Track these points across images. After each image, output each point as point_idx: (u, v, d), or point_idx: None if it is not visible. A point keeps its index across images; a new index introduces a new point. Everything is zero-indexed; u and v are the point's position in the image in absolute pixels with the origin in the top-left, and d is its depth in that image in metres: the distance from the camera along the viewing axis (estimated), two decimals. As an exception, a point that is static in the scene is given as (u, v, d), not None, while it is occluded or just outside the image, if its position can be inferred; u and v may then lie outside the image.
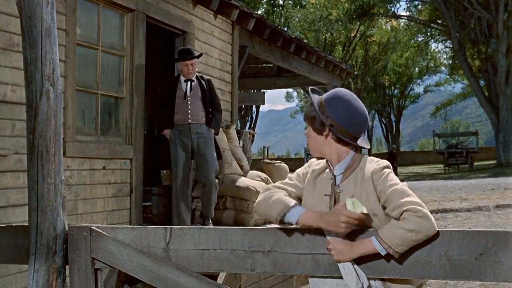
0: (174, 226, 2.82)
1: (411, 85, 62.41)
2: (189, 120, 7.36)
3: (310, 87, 3.26)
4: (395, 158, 37.13)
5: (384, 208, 2.87)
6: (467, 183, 26.71)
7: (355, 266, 2.67)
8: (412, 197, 2.76)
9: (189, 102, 7.34)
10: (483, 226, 14.00)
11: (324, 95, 3.14)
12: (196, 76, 7.53)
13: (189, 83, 7.42)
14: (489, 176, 30.89)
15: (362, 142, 3.10)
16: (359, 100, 3.14)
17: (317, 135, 3.10)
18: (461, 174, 34.09)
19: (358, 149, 3.15)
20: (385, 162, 3.03)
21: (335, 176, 3.07)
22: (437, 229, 2.61)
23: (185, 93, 7.37)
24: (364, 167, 3.01)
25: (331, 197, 3.03)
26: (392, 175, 2.93)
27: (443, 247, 2.40)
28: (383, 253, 2.65)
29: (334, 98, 3.09)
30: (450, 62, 55.82)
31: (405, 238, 2.60)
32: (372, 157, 3.07)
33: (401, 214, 2.66)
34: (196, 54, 7.53)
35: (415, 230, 2.59)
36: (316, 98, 3.15)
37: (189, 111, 7.35)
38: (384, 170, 2.95)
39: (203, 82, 7.54)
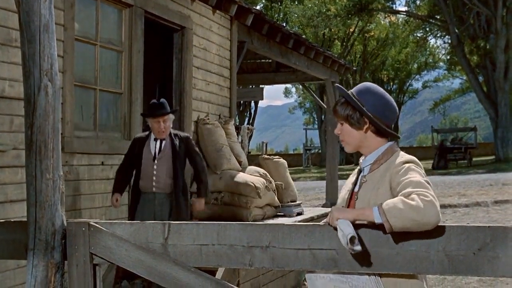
0: (172, 222, 2.82)
1: (410, 81, 62.39)
2: (153, 189, 6.34)
3: (336, 84, 3.30)
4: (446, 150, 37.32)
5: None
6: (466, 178, 26.74)
7: (340, 221, 2.67)
8: (426, 188, 2.73)
9: (155, 166, 6.31)
10: (482, 222, 14.02)
11: (354, 90, 3.17)
12: (170, 134, 6.44)
13: (158, 142, 6.38)
14: (487, 172, 30.92)
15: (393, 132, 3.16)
16: (384, 91, 3.19)
17: (356, 131, 3.12)
18: (459, 170, 34.12)
19: (394, 141, 3.19)
20: (409, 157, 3.02)
21: (363, 168, 3.15)
22: (438, 222, 2.55)
23: (154, 155, 6.34)
24: (391, 163, 3.02)
25: (354, 185, 3.13)
26: (414, 171, 2.89)
27: (441, 242, 2.41)
28: (377, 221, 2.65)
29: (367, 90, 3.13)
30: (449, 57, 55.80)
31: (404, 213, 2.60)
32: (401, 153, 3.07)
33: (410, 196, 2.64)
34: (168, 109, 6.40)
35: (417, 209, 2.58)
36: (346, 93, 3.14)
37: (154, 178, 6.29)
38: (404, 165, 2.94)
39: (176, 141, 6.41)
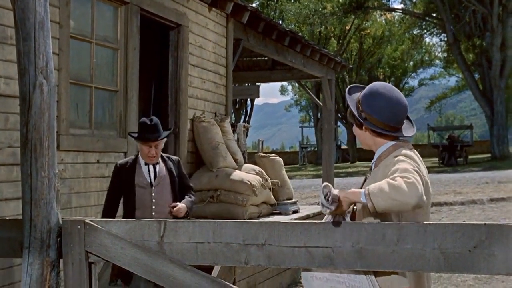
0: (168, 220, 2.82)
1: (406, 79, 62.40)
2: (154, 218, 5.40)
3: (348, 87, 3.55)
4: (455, 146, 37.37)
5: None
6: (462, 176, 26.77)
7: (325, 185, 2.97)
8: (411, 173, 2.89)
9: (153, 194, 5.50)
10: (477, 220, 14.04)
11: (362, 92, 3.39)
12: (162, 156, 5.68)
13: (151, 167, 5.56)
14: (483, 170, 30.98)
15: (406, 129, 3.34)
16: (394, 91, 3.34)
17: (359, 130, 3.39)
18: (455, 168, 34.15)
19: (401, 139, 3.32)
20: (403, 152, 3.15)
21: (372, 163, 3.37)
22: (420, 203, 2.75)
23: (150, 181, 5.52)
24: (390, 158, 3.19)
25: (364, 181, 3.34)
26: (403, 162, 3.04)
27: (437, 240, 2.41)
28: (362, 200, 2.87)
29: (369, 92, 3.33)
30: (445, 55, 55.84)
31: (385, 191, 2.79)
32: (403, 150, 3.19)
33: (394, 178, 2.85)
34: (162, 134, 5.56)
35: (398, 189, 2.76)
36: (355, 96, 3.42)
37: (154, 206, 5.50)
38: (397, 158, 3.10)
39: (170, 163, 5.70)
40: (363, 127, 3.32)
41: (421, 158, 3.29)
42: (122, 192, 5.54)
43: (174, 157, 5.89)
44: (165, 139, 5.66)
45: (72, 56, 6.42)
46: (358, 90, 3.47)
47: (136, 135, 5.60)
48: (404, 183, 2.79)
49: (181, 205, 5.49)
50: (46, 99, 2.94)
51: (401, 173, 2.89)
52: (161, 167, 5.61)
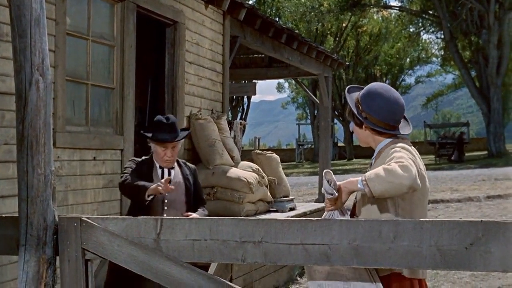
0: (164, 217, 2.82)
1: (403, 76, 62.42)
2: None
3: (347, 87, 3.74)
4: (464, 143, 37.47)
5: None
6: (458, 173, 26.83)
7: (326, 171, 3.29)
8: (405, 158, 3.11)
9: (166, 201, 4.88)
10: (474, 217, 14.07)
11: (361, 92, 3.57)
12: (177, 161, 5.12)
13: (166, 171, 4.99)
14: (480, 167, 31.03)
15: (403, 128, 3.55)
16: (392, 91, 3.53)
17: (359, 129, 3.55)
18: (451, 165, 34.20)
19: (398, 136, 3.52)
20: (402, 147, 3.31)
21: (371, 160, 3.56)
22: (414, 185, 3.01)
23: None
24: (387, 151, 3.35)
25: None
26: (399, 152, 3.22)
27: (434, 237, 2.41)
28: (360, 187, 3.14)
29: (367, 93, 3.49)
30: (442, 53, 55.86)
31: (380, 175, 3.03)
32: (399, 144, 3.37)
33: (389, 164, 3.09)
34: (180, 134, 5.00)
35: (392, 172, 3.01)
36: (354, 96, 3.58)
37: (165, 214, 4.87)
38: (393, 149, 3.27)
39: (186, 170, 5.10)
40: (363, 126, 3.49)
41: (418, 154, 3.40)
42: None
43: (190, 165, 5.27)
44: (182, 140, 5.09)
45: (69, 53, 6.41)
46: (357, 90, 3.64)
47: (150, 135, 4.93)
48: (398, 167, 3.01)
49: (195, 215, 4.83)
50: (42, 96, 2.94)
51: (396, 160, 3.09)
52: (176, 172, 5.02)
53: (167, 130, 4.90)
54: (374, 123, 3.42)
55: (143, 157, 5.10)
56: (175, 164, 5.07)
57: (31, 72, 2.91)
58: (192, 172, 5.16)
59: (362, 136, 3.55)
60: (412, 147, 3.42)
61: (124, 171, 4.98)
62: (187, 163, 5.24)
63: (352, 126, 3.61)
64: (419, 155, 3.43)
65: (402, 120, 3.54)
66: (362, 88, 3.61)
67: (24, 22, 2.90)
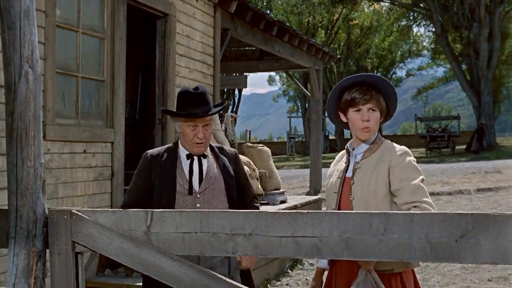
0: (155, 210, 2.81)
1: (394, 69, 62.54)
2: None
3: (384, 78, 3.78)
4: (484, 133, 37.51)
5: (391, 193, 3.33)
6: (449, 167, 26.91)
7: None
8: (424, 195, 3.22)
9: (197, 205, 3.76)
10: (464, 210, 14.11)
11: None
12: (212, 148, 3.99)
13: (195, 162, 3.84)
14: (470, 160, 31.15)
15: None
16: None
17: (379, 120, 3.51)
18: (442, 158, 34.32)
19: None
20: (405, 148, 3.42)
21: (355, 155, 3.49)
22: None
23: (190, 184, 3.77)
24: (383, 151, 3.40)
25: (344, 172, 3.49)
26: (414, 169, 3.31)
27: (424, 229, 2.41)
28: None
29: (392, 87, 3.52)
30: (433, 46, 55.97)
31: None
32: (390, 142, 3.49)
33: (409, 209, 3.11)
34: (212, 106, 3.90)
35: None
36: (394, 92, 3.57)
37: None
38: (405, 159, 3.34)
39: (224, 158, 3.95)
40: (383, 117, 3.52)
41: None
42: (150, 196, 3.79)
43: (229, 149, 4.10)
44: (217, 115, 4.04)
45: (58, 46, 6.38)
46: (393, 88, 3.63)
47: (174, 111, 3.91)
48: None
49: (244, 258, 3.74)
50: (32, 89, 2.92)
51: (415, 194, 3.21)
52: (210, 163, 3.88)
53: (196, 102, 3.77)
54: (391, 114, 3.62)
55: (167, 146, 4.00)
56: (208, 150, 3.93)
57: (20, 64, 2.89)
58: (232, 159, 3.98)
59: (377, 126, 3.52)
60: None
61: (130, 185, 3.90)
62: (224, 148, 4.08)
63: (373, 115, 3.45)
64: None
65: None
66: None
67: (13, 14, 2.88)
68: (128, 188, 3.93)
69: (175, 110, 3.86)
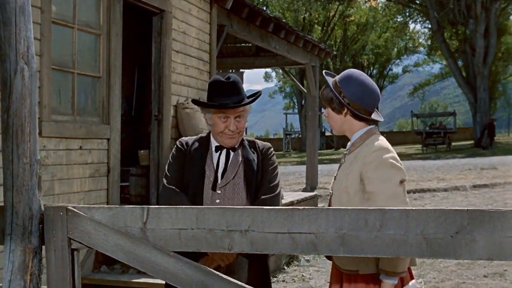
0: (151, 206, 2.81)
1: (390, 66, 62.61)
2: None
3: (324, 71, 3.65)
4: (494, 129, 37.57)
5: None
6: (445, 163, 26.98)
7: None
8: (399, 204, 3.08)
9: (217, 201, 3.61)
10: (460, 206, 14.16)
11: (338, 77, 3.44)
12: (242, 142, 3.77)
13: (223, 155, 3.70)
14: (466, 157, 31.24)
15: (376, 116, 3.44)
16: (369, 78, 3.45)
17: (337, 115, 3.40)
18: (438, 155, 34.38)
19: (374, 124, 3.47)
20: (381, 145, 3.28)
21: (347, 149, 3.46)
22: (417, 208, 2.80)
23: (215, 178, 3.65)
24: (363, 147, 3.31)
25: (339, 167, 3.46)
26: (389, 162, 3.20)
27: (420, 225, 2.42)
28: (395, 282, 3.15)
29: (347, 78, 3.38)
30: (429, 42, 56.02)
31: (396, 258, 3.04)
32: (376, 138, 3.34)
33: None
34: (245, 96, 3.70)
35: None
36: (330, 80, 3.45)
37: None
38: (376, 157, 3.22)
39: (250, 153, 3.73)
40: (344, 112, 3.36)
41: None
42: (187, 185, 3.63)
43: (261, 143, 3.86)
44: (250, 107, 3.76)
45: (54, 42, 6.36)
46: (332, 76, 3.54)
47: (202, 101, 3.77)
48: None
49: None
50: (28, 85, 2.91)
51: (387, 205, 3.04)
52: (236, 157, 3.70)
53: (228, 92, 3.60)
54: (357, 109, 3.33)
55: (200, 135, 3.86)
56: (239, 146, 3.75)
57: (16, 61, 2.88)
58: (260, 154, 3.75)
59: (339, 123, 3.42)
60: (382, 136, 3.42)
61: (165, 172, 3.74)
62: (257, 142, 3.85)
63: (326, 112, 3.45)
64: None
65: (375, 109, 3.50)
66: (334, 75, 3.53)
67: (9, 10, 2.87)
68: (167, 175, 3.68)
69: (206, 101, 3.69)
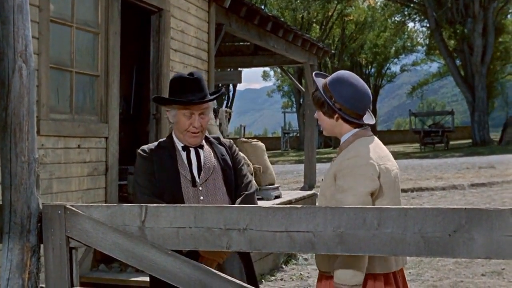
0: (149, 204, 2.81)
1: (388, 64, 62.61)
2: None
3: (314, 72, 3.55)
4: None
5: None
6: (443, 162, 27.00)
7: None
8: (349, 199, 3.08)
9: (201, 197, 3.60)
10: (458, 205, 14.16)
11: (328, 79, 3.38)
12: (207, 139, 3.80)
13: (193, 154, 3.68)
14: (464, 155, 31.28)
15: (367, 118, 3.38)
16: (360, 80, 3.38)
17: (328, 118, 3.36)
18: (436, 153, 34.40)
19: (363, 127, 3.39)
20: (357, 153, 3.22)
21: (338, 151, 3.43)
22: (371, 193, 3.07)
23: (192, 175, 3.62)
24: (345, 152, 3.28)
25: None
26: (358, 172, 3.14)
27: (417, 224, 2.42)
28: None
29: (337, 81, 3.33)
30: (427, 41, 56.05)
31: (346, 269, 3.06)
32: (360, 143, 3.28)
33: None
34: (208, 93, 3.68)
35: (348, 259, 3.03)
36: (320, 82, 3.38)
37: None
38: (351, 163, 3.18)
39: (221, 149, 3.78)
40: (335, 117, 3.32)
41: (381, 146, 3.40)
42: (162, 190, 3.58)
43: (225, 140, 3.91)
44: (213, 104, 3.88)
45: (52, 40, 6.36)
46: (322, 77, 3.49)
47: (167, 97, 3.73)
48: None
49: None
50: (26, 84, 2.91)
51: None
52: (207, 153, 3.70)
53: (192, 89, 3.57)
54: (347, 113, 3.29)
55: (159, 140, 3.80)
56: (203, 142, 3.73)
57: (14, 59, 2.88)
58: (228, 150, 3.80)
59: (330, 126, 3.40)
60: (375, 138, 3.36)
61: (135, 184, 3.67)
62: (221, 139, 3.90)
63: (317, 114, 3.42)
64: (381, 148, 3.36)
65: (367, 112, 3.43)
66: (327, 76, 3.47)
67: (7, 8, 2.87)
68: (137, 190, 3.61)
69: (168, 97, 3.67)
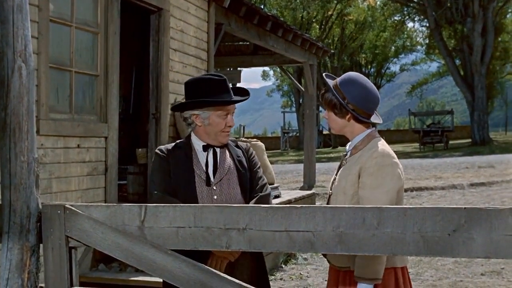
0: (149, 204, 2.81)
1: (387, 64, 62.60)
2: None
3: (324, 73, 3.61)
4: None
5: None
6: (442, 161, 27.00)
7: None
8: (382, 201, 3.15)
9: (215, 197, 3.61)
10: (458, 204, 14.17)
11: (338, 80, 3.45)
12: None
13: (211, 154, 3.69)
14: (463, 155, 31.28)
15: (375, 118, 3.48)
16: (368, 80, 3.48)
17: (340, 119, 3.43)
18: (436, 153, 34.40)
19: (374, 126, 3.52)
20: (383, 152, 3.32)
21: (347, 151, 3.50)
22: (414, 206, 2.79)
23: (207, 175, 3.63)
24: (365, 151, 3.34)
25: (338, 168, 3.52)
26: (386, 170, 3.24)
27: (417, 224, 2.42)
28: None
29: (348, 82, 3.39)
30: (426, 41, 56.05)
31: (371, 264, 3.15)
32: (378, 142, 3.38)
33: None
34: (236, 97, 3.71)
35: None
36: (331, 83, 3.45)
37: None
38: (376, 164, 3.26)
39: (237, 151, 3.80)
40: (347, 117, 3.39)
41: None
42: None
43: (242, 143, 3.93)
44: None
45: (52, 40, 6.36)
46: (332, 78, 3.55)
47: (201, 99, 3.60)
48: None
49: None
50: (25, 83, 2.91)
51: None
52: (223, 154, 3.72)
53: (226, 89, 3.61)
54: (359, 113, 3.37)
55: (177, 141, 3.84)
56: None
57: (13, 59, 2.88)
58: (245, 153, 3.82)
59: (340, 125, 3.45)
60: (383, 139, 3.45)
61: (150, 182, 3.72)
62: (238, 142, 3.92)
63: (327, 114, 3.48)
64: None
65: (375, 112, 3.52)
66: (335, 77, 3.54)
67: (6, 8, 2.87)
68: (153, 182, 3.65)
69: (205, 99, 3.59)
